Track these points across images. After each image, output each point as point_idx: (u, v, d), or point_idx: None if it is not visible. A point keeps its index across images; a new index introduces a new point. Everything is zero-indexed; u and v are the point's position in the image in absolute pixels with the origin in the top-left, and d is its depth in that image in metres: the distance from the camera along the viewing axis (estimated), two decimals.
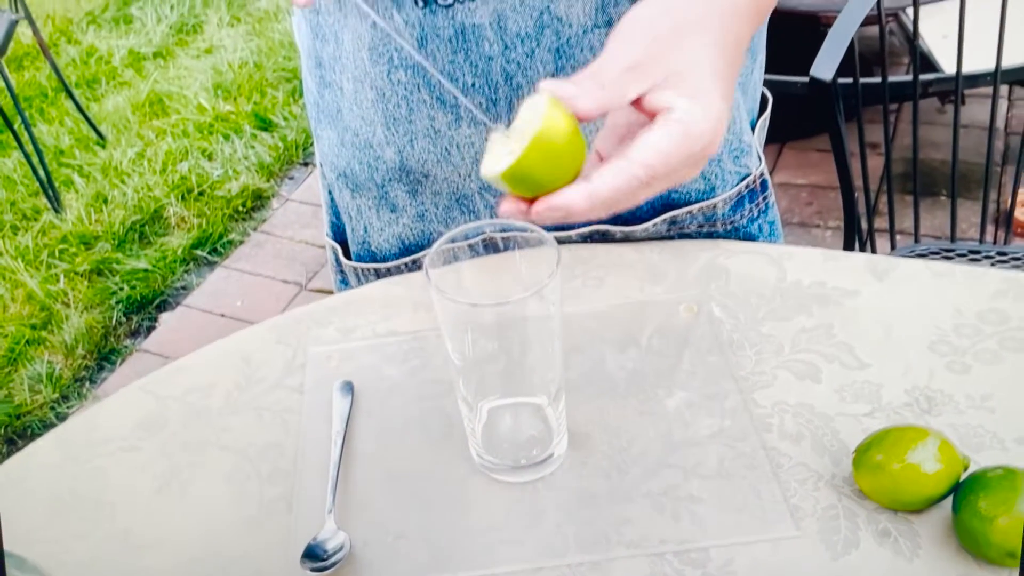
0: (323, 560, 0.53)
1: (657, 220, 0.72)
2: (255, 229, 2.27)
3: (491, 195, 0.71)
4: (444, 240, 0.53)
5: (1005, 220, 1.73)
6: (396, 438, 0.61)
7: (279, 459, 0.60)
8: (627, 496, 0.55)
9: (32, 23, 2.31)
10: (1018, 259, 1.27)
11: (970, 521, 0.48)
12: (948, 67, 1.53)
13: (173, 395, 0.66)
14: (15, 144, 2.31)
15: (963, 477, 0.51)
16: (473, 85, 0.64)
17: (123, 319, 2.03)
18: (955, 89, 1.26)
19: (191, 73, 2.85)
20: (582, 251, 0.72)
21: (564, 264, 0.68)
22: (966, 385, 0.58)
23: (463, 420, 0.57)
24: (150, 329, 2.01)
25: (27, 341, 1.98)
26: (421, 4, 0.61)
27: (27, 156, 2.27)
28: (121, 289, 2.09)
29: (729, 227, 0.74)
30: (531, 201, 0.48)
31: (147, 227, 2.28)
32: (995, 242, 1.45)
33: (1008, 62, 1.24)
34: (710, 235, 0.74)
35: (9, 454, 1.64)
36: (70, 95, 2.53)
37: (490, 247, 0.56)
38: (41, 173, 2.28)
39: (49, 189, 2.31)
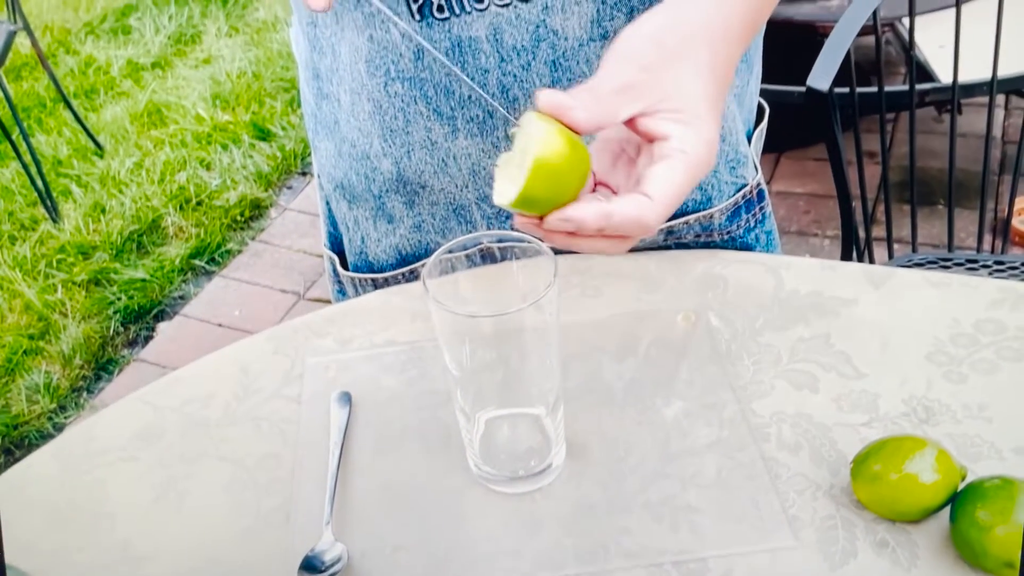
0: (321, 572, 0.53)
1: None
2: (253, 239, 2.27)
3: (488, 206, 0.71)
4: (442, 251, 0.53)
5: (1002, 229, 1.74)
6: (394, 449, 0.60)
7: (277, 469, 0.60)
8: (625, 506, 0.55)
9: (30, 33, 2.32)
10: (1015, 268, 1.27)
11: (968, 531, 0.48)
12: (944, 77, 1.54)
13: (171, 405, 0.66)
14: (13, 154, 2.31)
15: (961, 487, 0.51)
16: (469, 97, 0.64)
17: (121, 329, 2.03)
18: (951, 99, 1.26)
19: (189, 83, 2.85)
20: (579, 261, 0.72)
21: (562, 274, 0.69)
22: (963, 395, 0.58)
23: (461, 431, 0.57)
24: (148, 339, 2.01)
25: (24, 351, 1.98)
26: (417, 17, 0.61)
27: (25, 166, 2.27)
28: (119, 299, 2.09)
29: (726, 237, 0.74)
30: (542, 216, 0.49)
31: (145, 237, 2.28)
32: (992, 251, 1.45)
33: (1004, 72, 1.24)
34: (707, 245, 0.74)
35: (6, 465, 1.64)
36: (68, 105, 2.53)
37: (487, 257, 0.57)
38: (39, 183, 2.28)
39: (47, 199, 2.31)
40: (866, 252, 1.31)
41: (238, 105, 2.71)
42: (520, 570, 0.53)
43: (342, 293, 0.82)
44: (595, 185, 0.53)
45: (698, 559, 0.52)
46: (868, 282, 0.67)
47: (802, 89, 1.11)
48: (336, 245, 0.83)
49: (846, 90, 1.16)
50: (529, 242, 0.53)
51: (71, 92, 2.84)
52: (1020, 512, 0.47)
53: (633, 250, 0.73)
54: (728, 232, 0.74)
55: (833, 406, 0.59)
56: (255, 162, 2.48)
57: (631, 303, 0.68)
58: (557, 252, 0.52)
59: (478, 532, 0.55)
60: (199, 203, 2.37)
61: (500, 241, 0.55)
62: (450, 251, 0.54)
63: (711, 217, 0.72)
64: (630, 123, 0.50)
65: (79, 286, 2.14)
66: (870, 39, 1.21)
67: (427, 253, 0.74)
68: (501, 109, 0.55)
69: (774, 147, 2.20)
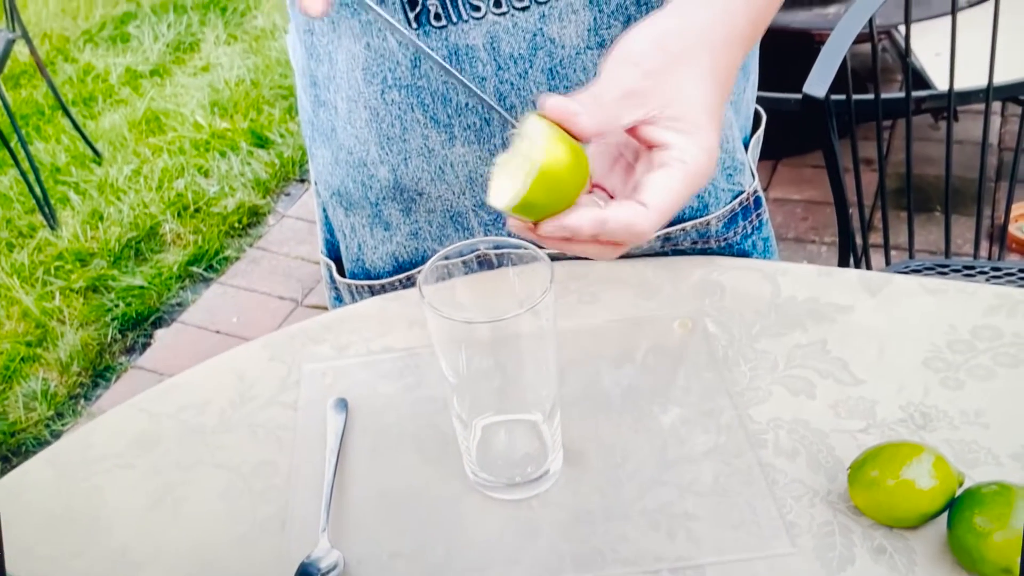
0: None
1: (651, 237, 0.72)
2: (251, 245, 2.27)
3: (485, 212, 0.71)
4: (438, 257, 0.53)
5: (999, 236, 1.74)
6: (390, 455, 0.60)
7: (273, 476, 0.60)
8: (622, 513, 0.55)
9: (29, 41, 2.32)
10: (1012, 275, 1.27)
11: (965, 537, 0.48)
12: (941, 84, 1.55)
13: (167, 412, 0.65)
14: (11, 162, 2.31)
15: (958, 493, 0.51)
16: (467, 105, 0.64)
17: (118, 336, 2.03)
18: (948, 106, 1.27)
19: (188, 91, 2.85)
20: (577, 267, 0.72)
21: (559, 280, 0.69)
22: (960, 401, 0.58)
23: (457, 437, 0.57)
24: (145, 346, 2.01)
25: (22, 358, 1.98)
26: (414, 25, 0.61)
27: (23, 174, 2.27)
28: (116, 306, 2.09)
29: (723, 244, 0.74)
30: (537, 222, 0.49)
31: (143, 244, 2.28)
32: (989, 258, 1.45)
33: (1000, 79, 1.25)
34: (704, 252, 0.74)
35: (3, 472, 1.63)
36: (66, 113, 2.54)
37: (484, 264, 0.57)
38: (37, 191, 2.28)
39: (45, 206, 2.31)
40: (863, 259, 1.32)
41: (236, 112, 2.72)
42: None
43: (339, 300, 0.82)
44: (591, 187, 0.53)
45: (695, 566, 0.52)
46: (865, 288, 0.67)
47: (799, 96, 1.11)
48: (333, 252, 0.83)
49: (843, 97, 1.16)
50: (526, 248, 0.53)
51: (69, 100, 2.84)
52: (1017, 518, 0.47)
53: (630, 256, 0.73)
54: (725, 239, 0.74)
55: (830, 412, 0.59)
56: (253, 169, 2.48)
57: (628, 309, 0.68)
58: (554, 259, 0.52)
59: (475, 539, 0.55)
60: (197, 210, 2.37)
61: (497, 248, 0.55)
62: (447, 257, 0.54)
63: (708, 224, 0.72)
64: (631, 130, 0.50)
65: (77, 293, 2.14)
66: (866, 46, 1.22)
67: (424, 260, 0.74)
68: (500, 110, 0.54)
69: (771, 154, 2.21)
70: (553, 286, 0.50)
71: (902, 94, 1.25)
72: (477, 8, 0.60)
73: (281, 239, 2.28)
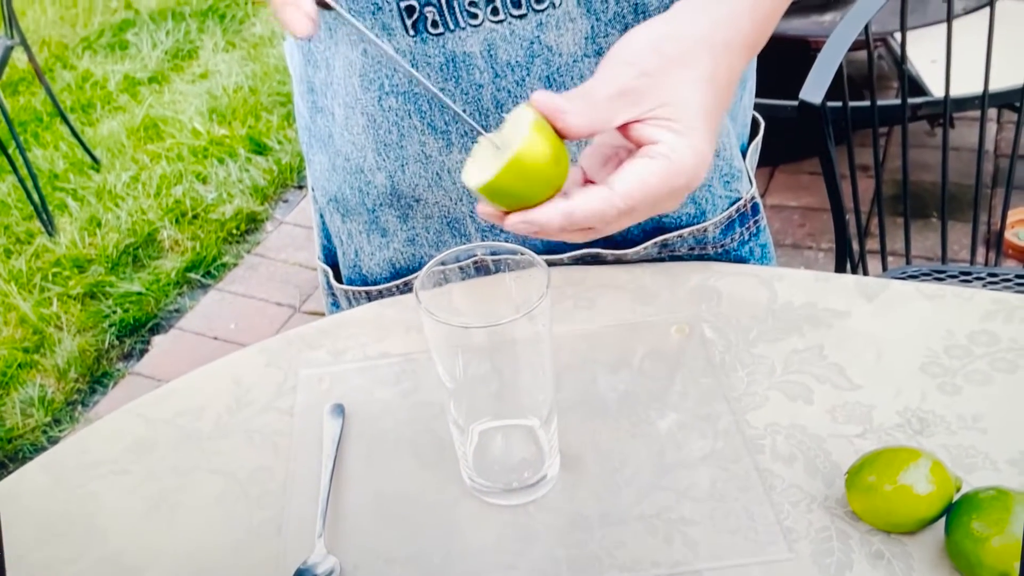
0: None
1: (648, 244, 0.72)
2: (249, 252, 2.27)
3: (483, 219, 0.71)
4: (435, 262, 0.53)
5: (995, 242, 1.74)
6: (387, 461, 0.60)
7: (269, 482, 0.60)
8: (620, 518, 0.55)
9: (27, 48, 2.32)
10: (1009, 280, 1.27)
11: (963, 542, 0.48)
12: (937, 91, 1.55)
13: (163, 418, 0.65)
14: (9, 168, 2.31)
15: (955, 498, 0.51)
16: (464, 112, 0.64)
17: (116, 342, 2.03)
18: (944, 112, 1.27)
19: (186, 98, 2.86)
20: (574, 272, 0.72)
21: (556, 285, 0.69)
22: (957, 406, 0.58)
23: (454, 442, 0.57)
24: (143, 352, 2.01)
25: (19, 364, 1.97)
26: (412, 32, 0.61)
27: (21, 180, 2.27)
28: (114, 312, 2.09)
29: (720, 250, 0.74)
30: (508, 211, 0.49)
31: (141, 250, 2.28)
32: (986, 263, 1.46)
33: (996, 86, 1.25)
34: (701, 258, 0.74)
35: (0, 478, 1.62)
36: (65, 120, 2.54)
37: (481, 269, 0.57)
38: (35, 197, 2.28)
39: (43, 213, 2.31)
40: (860, 265, 1.32)
41: (234, 119, 2.72)
42: None
43: (336, 306, 0.82)
44: (584, 181, 0.52)
45: (693, 571, 0.52)
46: (862, 294, 0.67)
47: (795, 103, 1.11)
48: (330, 258, 0.83)
49: (839, 104, 1.16)
50: (523, 254, 0.53)
51: (68, 107, 2.84)
52: (1015, 523, 0.47)
53: (627, 262, 0.73)
54: (722, 245, 0.74)
55: (827, 417, 0.59)
56: (251, 176, 2.49)
57: (625, 315, 0.68)
58: (551, 264, 0.52)
59: (471, 544, 0.55)
60: (195, 216, 2.37)
61: (494, 253, 0.55)
62: (443, 263, 0.54)
63: (705, 230, 0.72)
64: (623, 129, 0.50)
65: (74, 299, 2.14)
66: (862, 54, 1.22)
67: (421, 266, 0.74)
68: (472, 122, 0.53)
69: (769, 160, 2.21)
70: (550, 291, 0.50)
71: (898, 101, 1.25)
72: (475, 16, 0.60)
73: (279, 245, 2.28)
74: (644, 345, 0.65)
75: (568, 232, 0.50)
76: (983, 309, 0.64)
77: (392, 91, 0.65)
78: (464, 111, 0.64)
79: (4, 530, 0.59)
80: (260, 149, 2.60)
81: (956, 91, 1.25)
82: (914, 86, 1.63)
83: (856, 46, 1.16)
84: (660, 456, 0.58)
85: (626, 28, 0.61)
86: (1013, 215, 1.91)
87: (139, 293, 2.13)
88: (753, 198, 0.75)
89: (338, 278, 0.81)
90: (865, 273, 1.33)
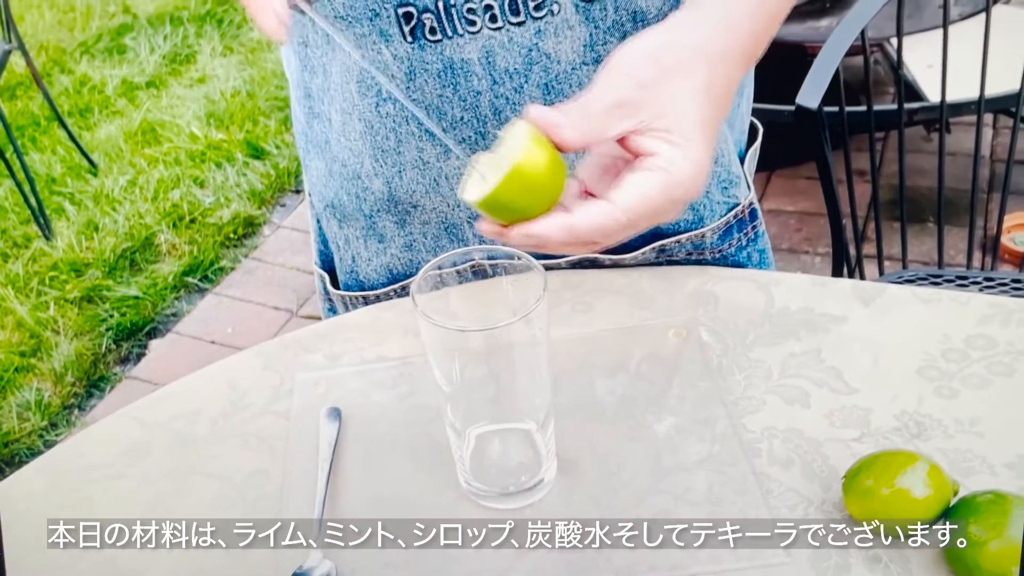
0: None
1: (646, 249, 0.72)
2: (246, 256, 2.26)
3: None
4: (431, 266, 0.53)
5: (992, 246, 1.74)
6: (383, 465, 0.60)
7: (265, 486, 0.60)
8: (617, 522, 0.55)
9: (25, 53, 2.32)
10: (1005, 284, 1.28)
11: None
12: (933, 96, 1.55)
13: (159, 422, 0.65)
14: (7, 172, 2.31)
15: (953, 502, 0.51)
16: (462, 119, 0.64)
17: (113, 346, 2.02)
18: (940, 117, 1.27)
19: (184, 102, 2.86)
20: (571, 276, 0.72)
21: (553, 289, 0.69)
22: (955, 410, 0.58)
23: (451, 446, 0.57)
24: (140, 356, 2.00)
25: (16, 368, 1.97)
26: (410, 39, 0.61)
27: (19, 184, 2.26)
28: (111, 316, 2.08)
29: (718, 255, 0.74)
30: (508, 225, 0.49)
31: (138, 254, 2.28)
32: (982, 268, 1.46)
33: (992, 91, 1.25)
34: (699, 263, 0.74)
35: None
36: (62, 124, 2.54)
37: (478, 274, 0.57)
38: (32, 201, 2.28)
39: (40, 217, 2.30)
40: (857, 269, 1.32)
41: (232, 124, 2.72)
42: None
43: (333, 311, 0.82)
44: (583, 192, 0.52)
45: (689, 575, 0.52)
46: (859, 298, 0.67)
47: (792, 108, 1.12)
48: (327, 263, 0.82)
49: (836, 109, 1.17)
50: (520, 258, 0.53)
51: (65, 111, 2.84)
52: (1013, 527, 0.47)
53: (624, 266, 0.73)
54: (720, 251, 0.74)
55: (824, 421, 0.59)
56: (248, 180, 2.48)
57: (622, 319, 0.68)
58: (548, 268, 0.52)
59: (468, 548, 0.55)
60: (192, 221, 2.37)
61: (490, 257, 0.55)
62: (440, 267, 0.54)
63: (703, 236, 0.72)
64: (621, 141, 0.50)
65: (71, 303, 2.13)
66: (859, 59, 1.22)
67: (418, 272, 0.74)
68: (457, 149, 0.54)
69: (765, 165, 2.21)
70: (547, 295, 0.50)
71: (895, 106, 1.26)
72: (473, 23, 0.60)
73: (276, 250, 2.28)
74: (641, 349, 0.65)
75: (570, 245, 0.50)
76: (980, 313, 0.64)
77: (389, 97, 0.65)
78: (461, 117, 0.64)
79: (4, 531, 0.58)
80: (258, 153, 2.60)
81: (952, 96, 1.25)
82: (910, 91, 1.64)
83: (853, 51, 1.16)
84: (657, 460, 0.58)
85: (624, 36, 0.61)
86: (1009, 220, 1.91)
87: (136, 297, 2.13)
88: (751, 204, 0.75)
89: (335, 284, 0.81)
90: (862, 277, 1.33)
